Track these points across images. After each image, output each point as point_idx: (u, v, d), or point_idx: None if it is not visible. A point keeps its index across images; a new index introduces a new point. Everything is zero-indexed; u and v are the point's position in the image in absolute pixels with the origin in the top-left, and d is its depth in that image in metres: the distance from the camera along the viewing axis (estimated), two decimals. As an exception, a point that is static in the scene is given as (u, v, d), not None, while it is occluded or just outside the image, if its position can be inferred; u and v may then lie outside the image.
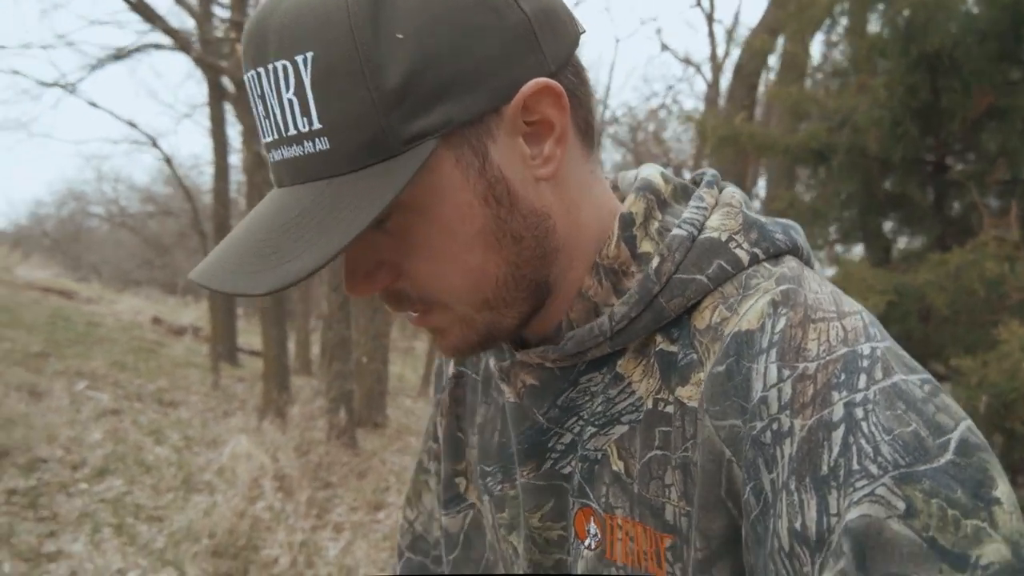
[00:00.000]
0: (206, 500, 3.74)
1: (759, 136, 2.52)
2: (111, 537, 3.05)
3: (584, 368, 0.52)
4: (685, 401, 0.47)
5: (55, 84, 8.10)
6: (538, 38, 0.44)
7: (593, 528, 0.51)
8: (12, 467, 3.60)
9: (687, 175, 0.58)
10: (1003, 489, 0.37)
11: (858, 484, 0.37)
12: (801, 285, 0.46)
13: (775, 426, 0.41)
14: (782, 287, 0.46)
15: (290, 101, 0.42)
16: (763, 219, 0.51)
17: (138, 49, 7.89)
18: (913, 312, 2.00)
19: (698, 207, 0.50)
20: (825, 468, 0.38)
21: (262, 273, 0.42)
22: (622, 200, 0.53)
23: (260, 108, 0.44)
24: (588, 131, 0.49)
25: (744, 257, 0.48)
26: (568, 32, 0.47)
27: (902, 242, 2.97)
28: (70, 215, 19.57)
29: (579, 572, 0.52)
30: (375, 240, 0.46)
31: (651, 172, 0.53)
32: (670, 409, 0.48)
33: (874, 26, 2.22)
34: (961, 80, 2.06)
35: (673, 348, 0.48)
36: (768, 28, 3.36)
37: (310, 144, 0.42)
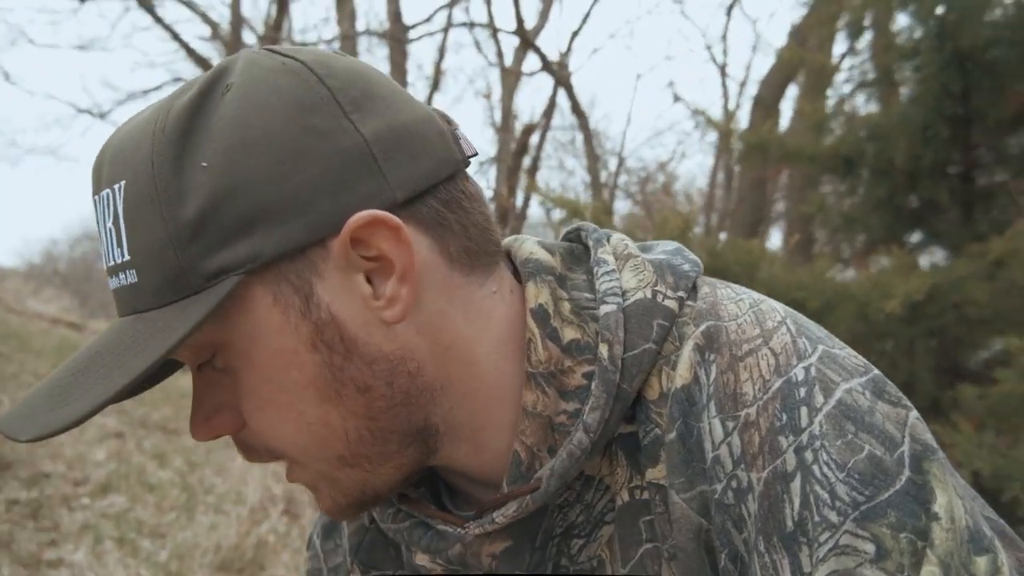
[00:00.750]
0: (210, 519, 3.63)
1: (789, 144, 2.51)
2: (113, 549, 2.95)
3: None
4: (659, 481, 0.43)
5: (87, 111, 8.29)
6: (378, 163, 0.40)
7: None
8: (14, 480, 3.52)
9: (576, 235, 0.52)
10: (941, 500, 0.36)
11: (822, 538, 0.36)
12: (719, 317, 0.43)
13: (734, 484, 0.39)
14: (702, 327, 0.43)
15: (110, 230, 0.41)
16: (660, 256, 0.48)
17: (171, 81, 8.11)
18: (949, 307, 1.94)
19: (607, 272, 0.46)
20: (790, 523, 0.37)
21: (34, 417, 0.40)
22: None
23: (99, 235, 0.43)
24: (475, 254, 0.45)
25: (674, 306, 0.45)
26: (434, 154, 0.43)
27: (925, 258, 2.93)
28: (82, 255, 19.76)
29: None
30: (215, 380, 0.43)
31: (532, 249, 0.48)
32: (647, 495, 0.44)
33: (903, 26, 2.23)
34: (994, 80, 2.05)
35: (631, 428, 0.45)
36: (797, 41, 3.42)
37: (123, 276, 0.41)
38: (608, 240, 0.49)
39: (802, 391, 0.39)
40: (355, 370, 0.41)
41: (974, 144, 2.30)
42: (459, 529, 0.45)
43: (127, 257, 0.40)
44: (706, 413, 0.41)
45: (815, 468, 0.37)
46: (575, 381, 0.44)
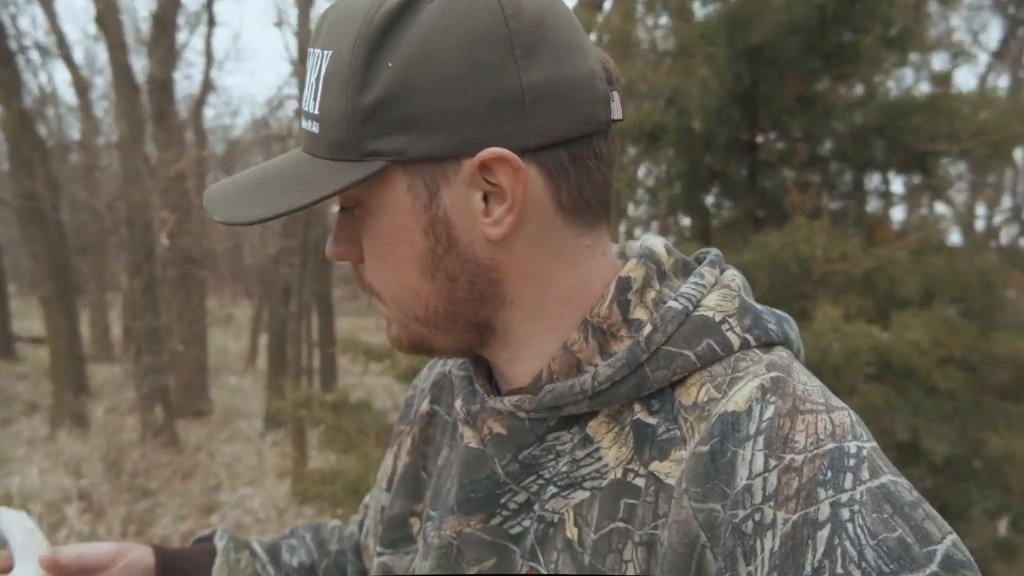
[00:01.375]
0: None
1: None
2: None
3: (554, 425, 0.51)
4: (661, 477, 0.46)
5: None
6: (525, 109, 0.46)
7: None
8: None
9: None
10: None
11: None
12: (791, 375, 0.46)
13: (757, 516, 0.40)
14: (772, 374, 0.46)
15: (312, 83, 0.48)
16: (759, 307, 0.51)
17: None
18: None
19: (697, 284, 0.51)
20: (808, 568, 0.38)
21: (226, 207, 0.50)
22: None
23: (306, 79, 0.50)
24: (583, 208, 0.50)
25: (735, 341, 0.48)
26: (578, 114, 0.47)
27: (721, 216, 3.20)
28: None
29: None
30: (352, 222, 0.52)
31: (655, 242, 0.54)
32: (640, 482, 0.47)
33: (699, 13, 2.30)
34: (777, 70, 2.20)
35: (652, 420, 0.48)
36: (592, 3, 3.39)
37: (310, 124, 0.49)
38: (722, 269, 0.53)
39: (851, 462, 0.41)
40: (450, 263, 0.49)
41: (761, 124, 2.50)
42: (485, 396, 0.54)
43: (316, 112, 0.48)
44: (751, 444, 0.43)
45: (849, 526, 0.38)
46: (616, 346, 0.50)
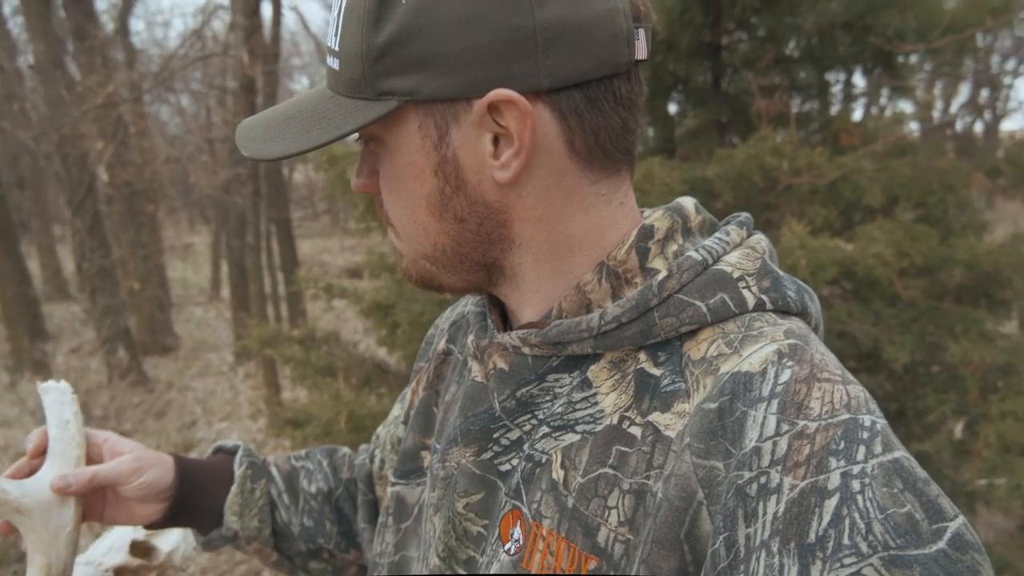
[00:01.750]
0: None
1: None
2: None
3: (556, 366, 0.51)
4: (660, 428, 0.46)
5: None
6: (539, 49, 0.45)
7: (517, 533, 0.50)
8: None
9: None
10: None
11: (846, 560, 0.36)
12: (808, 344, 0.45)
13: (763, 480, 0.40)
14: (789, 340, 0.45)
15: (335, 18, 0.49)
16: (782, 274, 0.50)
17: None
18: (704, 201, 2.12)
19: (720, 239, 0.50)
20: (813, 536, 0.37)
21: (253, 143, 0.52)
22: None
23: (331, 13, 0.50)
24: (598, 154, 0.49)
25: (750, 299, 0.47)
26: (595, 54, 0.46)
27: (684, 124, 3.12)
28: None
29: (491, 574, 0.51)
30: (372, 155, 0.53)
31: (686, 200, 0.53)
32: (635, 431, 0.47)
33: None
34: (741, -32, 2.07)
35: (656, 371, 0.48)
36: None
37: (331, 60, 0.50)
38: (750, 232, 0.52)
39: (865, 435, 0.40)
40: (458, 203, 0.49)
41: (725, 25, 2.38)
42: (496, 331, 0.55)
43: (336, 48, 0.49)
44: (763, 406, 0.42)
45: (859, 498, 0.38)
46: (628, 291, 0.50)
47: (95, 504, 0.69)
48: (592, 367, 0.50)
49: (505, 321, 0.58)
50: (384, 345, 2.55)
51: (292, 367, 2.59)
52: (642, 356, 0.48)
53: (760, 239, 0.52)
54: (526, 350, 0.52)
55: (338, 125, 0.48)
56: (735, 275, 0.48)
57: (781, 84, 2.55)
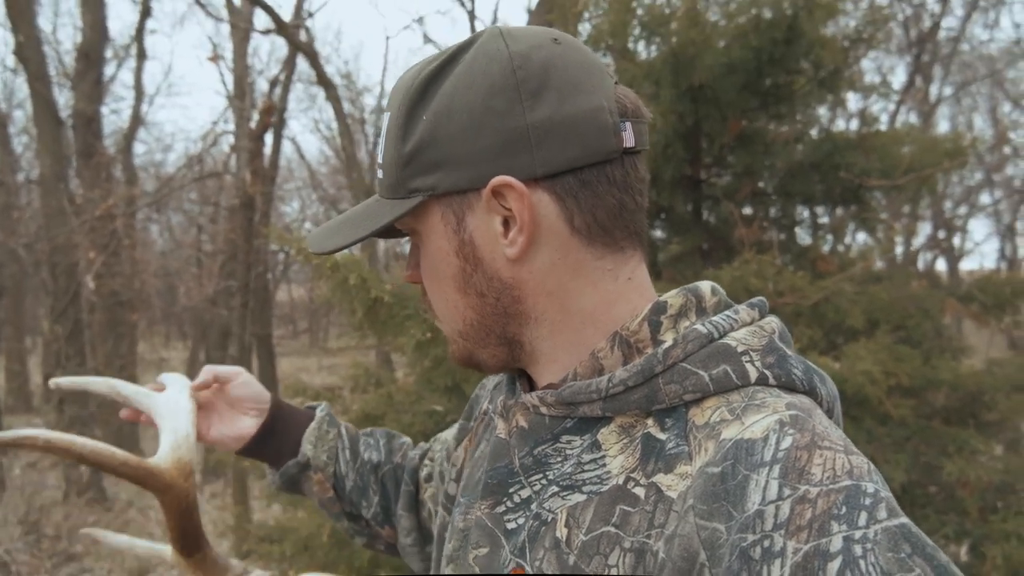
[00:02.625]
0: None
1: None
2: None
3: (569, 427, 0.54)
4: (663, 489, 0.47)
5: None
6: (532, 144, 0.52)
7: None
8: None
9: None
10: None
11: None
12: (811, 416, 0.46)
13: (766, 543, 0.40)
14: (791, 412, 0.46)
15: (381, 140, 0.59)
16: (790, 353, 0.52)
17: None
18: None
19: (729, 316, 0.53)
20: None
21: (318, 242, 0.63)
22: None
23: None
24: (598, 231, 0.54)
25: (752, 373, 0.49)
26: (582, 145, 0.52)
27: (668, 250, 3.26)
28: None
29: None
30: (416, 249, 0.61)
31: (703, 283, 0.57)
32: (640, 491, 0.48)
33: (643, 54, 2.36)
34: (719, 109, 2.27)
35: (662, 436, 0.50)
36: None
37: (379, 171, 0.59)
38: (763, 315, 0.55)
39: (868, 501, 0.40)
40: (478, 280, 0.56)
41: (704, 160, 2.57)
42: (522, 392, 0.59)
43: (380, 161, 0.58)
44: (766, 471, 0.43)
45: (861, 563, 0.38)
46: (637, 358, 0.52)
47: (204, 422, 0.82)
48: (603, 430, 0.52)
49: (532, 387, 0.62)
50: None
51: (267, 483, 2.49)
52: (650, 421, 0.51)
53: (772, 320, 0.54)
54: (543, 410, 0.55)
55: (378, 219, 0.57)
56: (739, 349, 0.50)
57: (758, 215, 2.71)
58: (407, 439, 0.91)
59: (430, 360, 1.96)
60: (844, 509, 0.40)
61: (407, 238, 0.63)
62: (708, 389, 0.49)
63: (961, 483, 1.53)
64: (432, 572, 0.72)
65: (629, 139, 0.54)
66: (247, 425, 0.83)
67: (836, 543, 0.39)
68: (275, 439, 0.84)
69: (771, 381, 0.49)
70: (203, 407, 0.83)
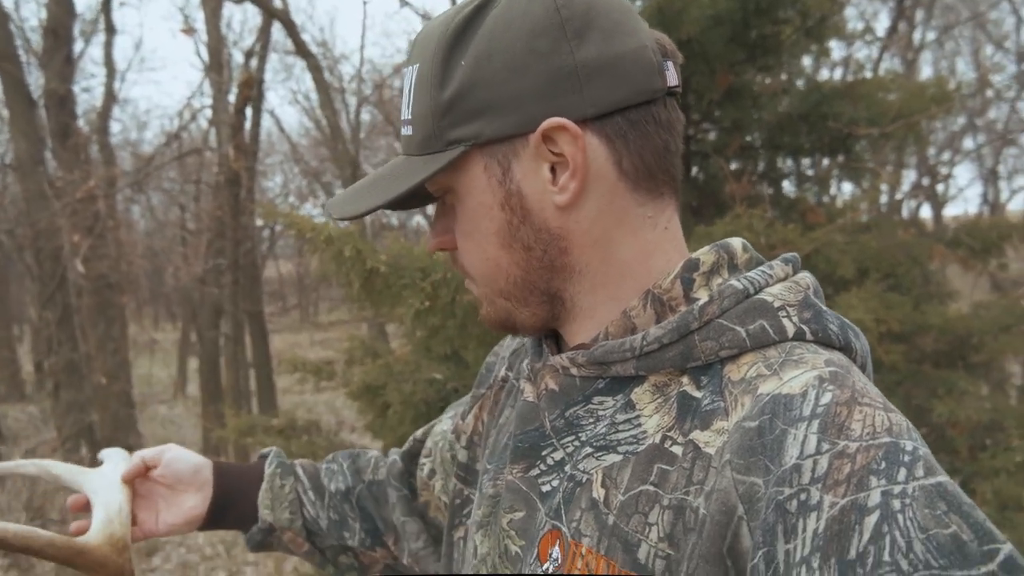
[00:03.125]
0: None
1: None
2: None
3: (601, 388, 0.54)
4: (700, 445, 0.47)
5: None
6: (581, 83, 0.50)
7: (556, 552, 0.51)
8: None
9: None
10: None
11: None
12: (850, 373, 0.46)
13: (803, 496, 0.40)
14: (830, 368, 0.46)
15: (406, 95, 0.56)
16: (825, 308, 0.51)
17: None
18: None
19: (764, 272, 0.52)
20: (853, 552, 0.37)
21: (342, 206, 0.59)
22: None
23: (402, 94, 0.57)
24: (644, 175, 0.53)
25: (790, 328, 0.49)
26: (631, 83, 0.51)
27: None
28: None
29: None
30: (446, 211, 0.58)
31: (734, 239, 0.55)
32: (677, 449, 0.48)
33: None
34: (707, 63, 2.25)
35: (698, 394, 0.49)
36: None
37: (406, 129, 0.56)
38: (796, 271, 0.54)
39: (907, 458, 0.40)
40: (525, 232, 0.53)
41: (692, 117, 2.55)
42: (550, 354, 0.58)
43: (409, 116, 0.55)
44: (804, 425, 0.42)
45: (899, 516, 0.37)
46: (670, 316, 0.51)
47: (149, 515, 0.77)
48: (636, 390, 0.52)
49: (560, 349, 0.61)
50: (370, 431, 2.50)
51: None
52: (685, 379, 0.50)
53: (806, 276, 0.53)
54: (574, 371, 0.54)
55: (414, 176, 0.54)
56: (776, 304, 0.50)
57: (747, 169, 2.72)
58: (374, 453, 0.87)
59: (427, 329, 1.98)
60: (883, 464, 0.39)
61: (432, 203, 0.60)
62: (745, 345, 0.48)
63: (951, 423, 1.58)
64: (446, 543, 0.71)
65: (672, 78, 0.53)
66: (193, 505, 0.76)
67: (874, 497, 0.38)
68: (233, 509, 0.78)
69: (808, 336, 0.49)
70: (144, 497, 0.76)
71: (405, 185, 0.54)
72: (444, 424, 0.79)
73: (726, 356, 0.49)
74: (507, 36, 0.51)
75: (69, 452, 4.56)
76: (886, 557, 0.36)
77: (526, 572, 0.54)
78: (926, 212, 11.10)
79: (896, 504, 0.38)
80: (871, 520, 0.38)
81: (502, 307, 0.57)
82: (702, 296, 0.51)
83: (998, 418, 1.60)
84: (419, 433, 0.83)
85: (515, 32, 0.51)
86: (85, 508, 0.74)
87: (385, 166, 0.59)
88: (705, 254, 0.53)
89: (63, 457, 4.78)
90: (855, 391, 0.44)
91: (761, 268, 0.53)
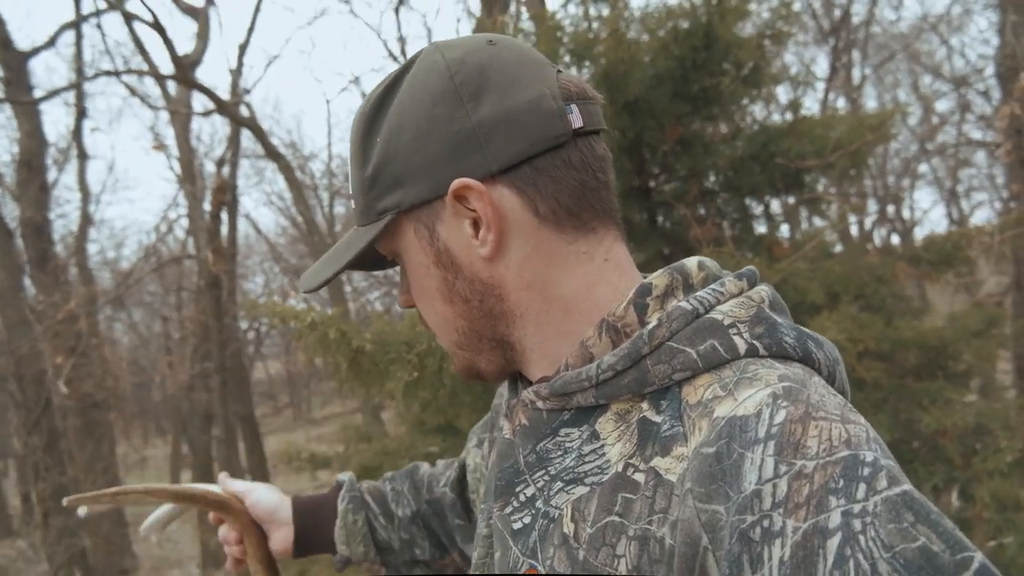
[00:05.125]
0: None
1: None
2: None
3: (567, 420, 0.54)
4: (661, 472, 0.46)
5: None
6: (481, 143, 0.53)
7: None
8: None
9: None
10: None
11: None
12: (805, 387, 0.45)
13: (766, 523, 0.39)
14: (784, 384, 0.45)
15: (348, 171, 0.63)
16: (781, 322, 0.51)
17: None
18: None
19: (715, 290, 0.52)
20: None
21: (306, 280, 0.63)
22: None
23: None
24: (565, 215, 0.54)
25: (741, 345, 0.48)
26: (530, 135, 0.53)
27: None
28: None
29: None
30: (403, 272, 0.61)
31: (690, 259, 0.56)
32: (639, 477, 0.47)
33: (582, 73, 2.48)
34: (655, 119, 2.38)
35: (657, 419, 0.49)
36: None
37: (350, 202, 0.61)
38: (752, 286, 0.54)
39: (866, 471, 0.39)
40: (461, 286, 0.56)
41: (650, 168, 2.67)
42: (523, 391, 0.58)
43: (351, 191, 0.60)
44: (760, 448, 0.42)
45: (860, 538, 0.36)
46: (625, 343, 0.51)
47: (263, 540, 0.85)
48: (600, 419, 0.51)
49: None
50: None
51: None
52: (645, 405, 0.50)
53: (761, 289, 0.53)
54: (540, 404, 0.55)
55: (356, 246, 0.58)
56: (726, 322, 0.49)
57: (709, 213, 2.82)
58: (426, 469, 0.91)
59: (419, 403, 1.99)
60: (842, 482, 0.38)
61: (398, 267, 0.63)
62: (697, 366, 0.48)
63: (940, 433, 1.60)
64: None
65: (577, 120, 0.54)
66: (282, 537, 0.84)
67: (835, 519, 0.37)
68: (314, 541, 0.85)
69: (762, 352, 0.48)
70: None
71: (351, 254, 0.58)
72: (473, 456, 0.82)
73: (681, 379, 0.48)
74: (412, 109, 0.54)
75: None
76: None
77: None
78: (896, 240, 11.39)
79: (857, 524, 0.37)
80: (833, 543, 0.37)
81: (464, 357, 0.60)
82: (655, 320, 0.51)
83: (984, 422, 1.63)
84: (460, 461, 0.87)
85: (418, 104, 0.54)
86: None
87: (342, 238, 0.63)
88: (658, 277, 0.53)
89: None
90: (809, 405, 0.43)
91: (712, 286, 0.52)
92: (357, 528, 0.85)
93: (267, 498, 0.85)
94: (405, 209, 0.55)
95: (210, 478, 5.89)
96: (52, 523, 4.48)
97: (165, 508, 0.89)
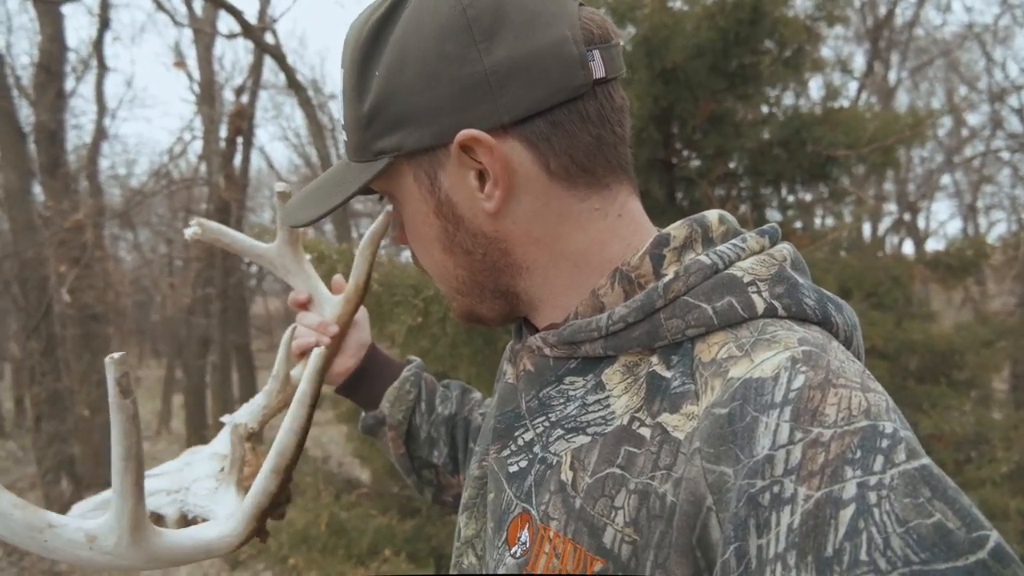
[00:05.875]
0: None
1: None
2: None
3: (573, 368, 0.53)
4: (669, 429, 0.45)
5: None
6: (493, 90, 0.48)
7: (525, 536, 0.50)
8: None
9: None
10: None
11: None
12: (825, 351, 0.44)
13: (776, 489, 0.38)
14: (804, 347, 0.43)
15: (341, 100, 0.55)
16: (803, 282, 0.49)
17: None
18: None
19: (736, 246, 0.50)
20: (830, 549, 0.36)
21: (293, 213, 0.61)
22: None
23: None
24: (578, 172, 0.51)
25: (759, 304, 0.47)
26: (548, 84, 0.49)
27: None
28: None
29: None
30: (399, 210, 0.58)
31: (711, 212, 0.53)
32: (645, 432, 0.46)
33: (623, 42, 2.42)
34: (690, 91, 2.33)
35: (667, 374, 0.47)
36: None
37: (343, 134, 0.57)
38: (774, 243, 0.52)
39: (884, 443, 0.38)
40: (462, 238, 0.53)
41: (676, 143, 2.62)
42: (529, 337, 0.57)
43: (343, 122, 0.55)
44: (776, 413, 0.40)
45: (875, 511, 0.35)
46: (638, 294, 0.50)
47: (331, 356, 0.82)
48: (607, 370, 0.50)
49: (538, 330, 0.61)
50: (358, 456, 2.48)
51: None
52: (655, 359, 0.48)
53: (783, 248, 0.51)
54: (547, 351, 0.54)
55: (348, 187, 0.54)
56: (745, 280, 0.47)
57: (730, 195, 2.78)
58: (478, 394, 0.90)
59: (418, 350, 1.98)
60: (859, 453, 0.37)
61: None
62: (712, 323, 0.46)
63: (936, 437, 1.60)
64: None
65: (599, 69, 0.50)
66: (344, 362, 0.82)
67: (849, 490, 0.36)
68: (364, 387, 0.84)
69: (780, 312, 0.46)
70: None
71: (342, 196, 0.54)
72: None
73: (694, 335, 0.47)
74: (416, 42, 0.49)
75: (50, 485, 4.45)
76: (863, 556, 0.35)
77: (495, 555, 0.52)
78: (908, 248, 11.31)
79: (872, 497, 0.36)
80: (846, 514, 0.36)
81: (463, 303, 0.58)
82: (671, 272, 0.49)
83: (982, 431, 1.63)
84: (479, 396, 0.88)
85: (424, 37, 0.49)
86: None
87: (331, 168, 0.59)
88: (677, 228, 0.51)
89: (43, 492, 4.66)
90: (829, 371, 0.42)
91: (733, 241, 0.50)
92: (406, 397, 0.84)
93: (363, 326, 0.84)
94: (405, 153, 0.52)
95: (202, 404, 5.96)
96: (44, 427, 4.55)
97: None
